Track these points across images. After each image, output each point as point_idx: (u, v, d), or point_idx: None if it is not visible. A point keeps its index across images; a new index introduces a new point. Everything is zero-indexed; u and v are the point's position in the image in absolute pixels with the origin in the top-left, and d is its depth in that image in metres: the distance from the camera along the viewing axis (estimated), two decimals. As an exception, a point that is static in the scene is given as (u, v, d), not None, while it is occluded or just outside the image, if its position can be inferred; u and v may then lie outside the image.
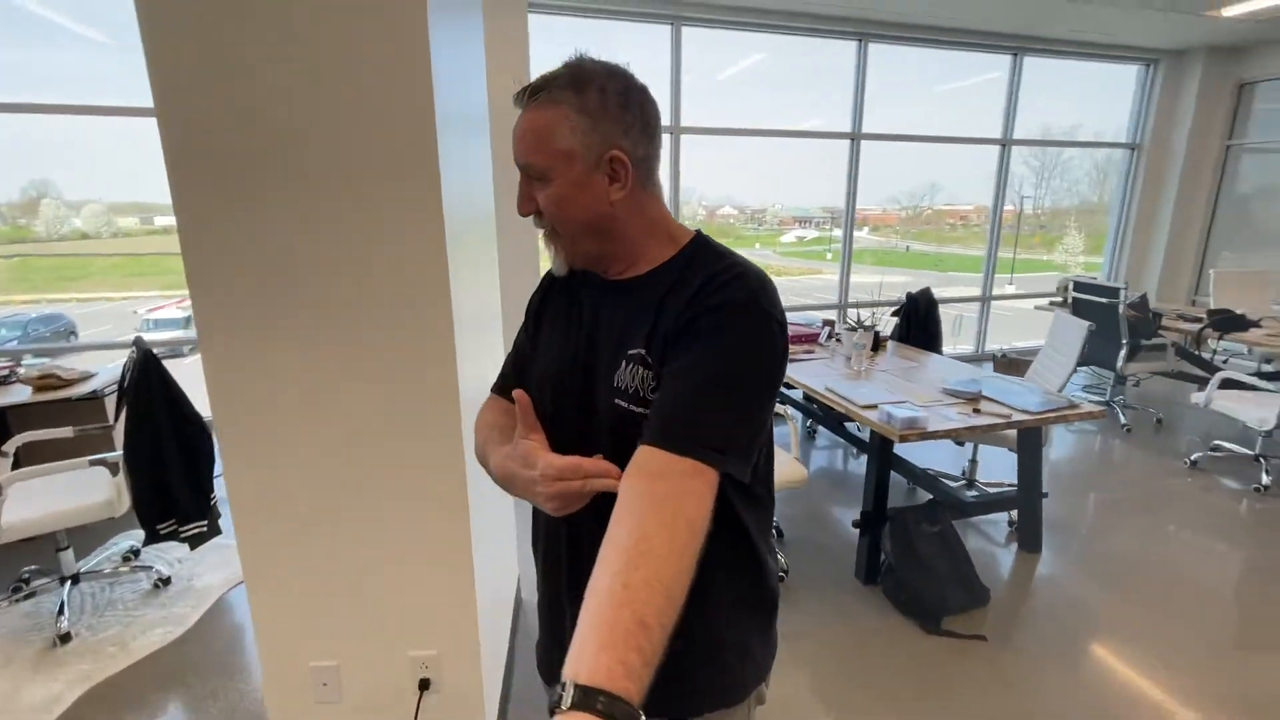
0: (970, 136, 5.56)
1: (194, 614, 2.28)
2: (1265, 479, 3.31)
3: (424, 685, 1.44)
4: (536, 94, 0.70)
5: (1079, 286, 4.36)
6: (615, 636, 0.47)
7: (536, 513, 0.86)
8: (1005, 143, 5.52)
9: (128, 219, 10.80)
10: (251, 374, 1.23)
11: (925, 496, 2.97)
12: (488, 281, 1.98)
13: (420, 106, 1.16)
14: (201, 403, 1.47)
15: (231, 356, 1.21)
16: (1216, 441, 3.73)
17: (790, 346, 3.59)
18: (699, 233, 0.80)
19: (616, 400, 0.73)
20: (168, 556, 2.59)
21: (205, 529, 2.33)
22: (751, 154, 4.80)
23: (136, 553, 2.65)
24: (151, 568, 2.50)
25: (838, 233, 5.38)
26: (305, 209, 1.17)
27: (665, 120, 4.67)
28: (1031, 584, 2.50)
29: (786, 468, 2.40)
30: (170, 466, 2.23)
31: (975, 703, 1.88)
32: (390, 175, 1.18)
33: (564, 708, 0.43)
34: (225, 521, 2.44)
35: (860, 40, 4.89)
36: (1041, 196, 7.20)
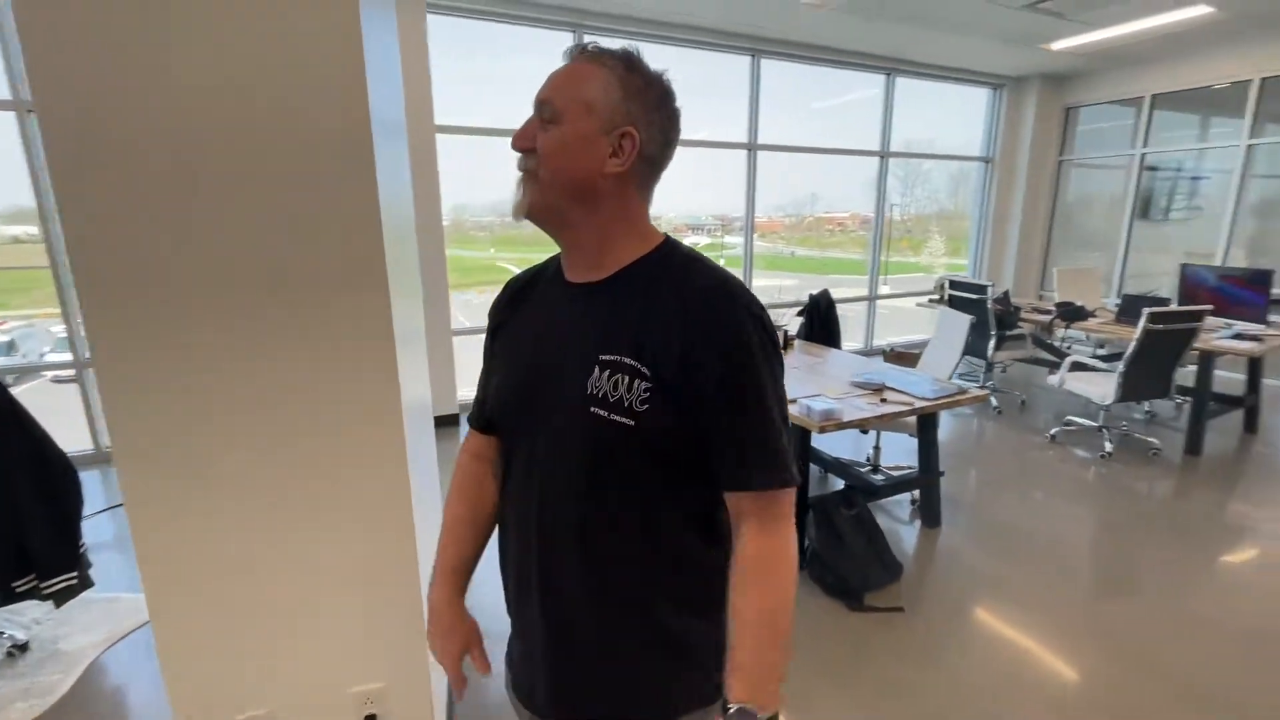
0: (853, 149, 6.02)
1: (64, 681, 1.97)
2: (1108, 447, 3.84)
3: (369, 722, 1.34)
4: (593, 50, 0.73)
5: (954, 285, 4.84)
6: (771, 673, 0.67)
7: (504, 539, 0.85)
8: (884, 154, 6.03)
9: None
10: (157, 397, 1.09)
11: (837, 484, 3.17)
12: (414, 291, 1.89)
13: (353, 98, 1.09)
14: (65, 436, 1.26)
15: (133, 379, 1.07)
16: (1069, 417, 4.27)
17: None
18: (668, 236, 0.79)
19: (594, 409, 0.70)
20: (21, 619, 2.22)
21: (75, 582, 2.03)
22: None
23: (-23, 619, 2.25)
24: (1, 634, 2.13)
25: (730, 239, 5.61)
26: (221, 214, 1.06)
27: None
28: (935, 556, 2.73)
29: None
30: (26, 514, 1.92)
31: (897, 668, 2.03)
32: (323, 174, 1.10)
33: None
34: (99, 571, 2.14)
35: (754, 56, 5.15)
36: (908, 204, 7.93)
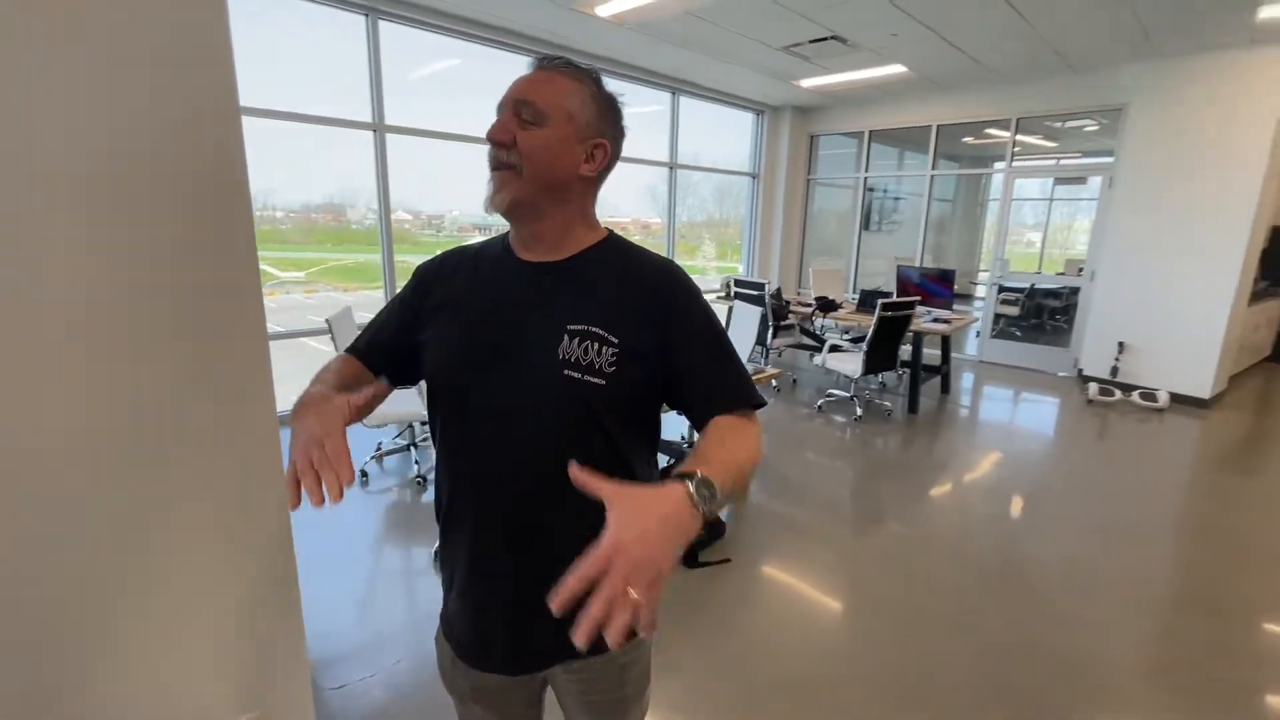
0: (645, 159, 6.53)
1: None
2: (859, 412, 4.79)
3: (247, 760, 1.23)
4: (568, 65, 0.81)
5: (738, 283, 5.58)
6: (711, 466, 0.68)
7: (455, 499, 0.87)
8: (672, 165, 6.65)
9: None
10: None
11: (662, 460, 3.51)
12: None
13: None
14: None
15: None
16: (829, 390, 5.22)
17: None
18: (609, 228, 0.91)
19: (566, 372, 0.79)
20: None
21: None
22: (428, 158, 4.77)
23: None
24: None
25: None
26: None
27: (369, 117, 4.38)
28: (744, 512, 3.20)
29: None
30: None
31: (728, 611, 2.38)
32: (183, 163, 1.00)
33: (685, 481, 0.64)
34: None
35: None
36: (680, 212, 8.82)
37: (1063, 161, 7.48)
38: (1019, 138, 6.26)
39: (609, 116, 0.84)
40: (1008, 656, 2.13)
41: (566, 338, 0.80)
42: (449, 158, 5.20)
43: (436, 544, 0.98)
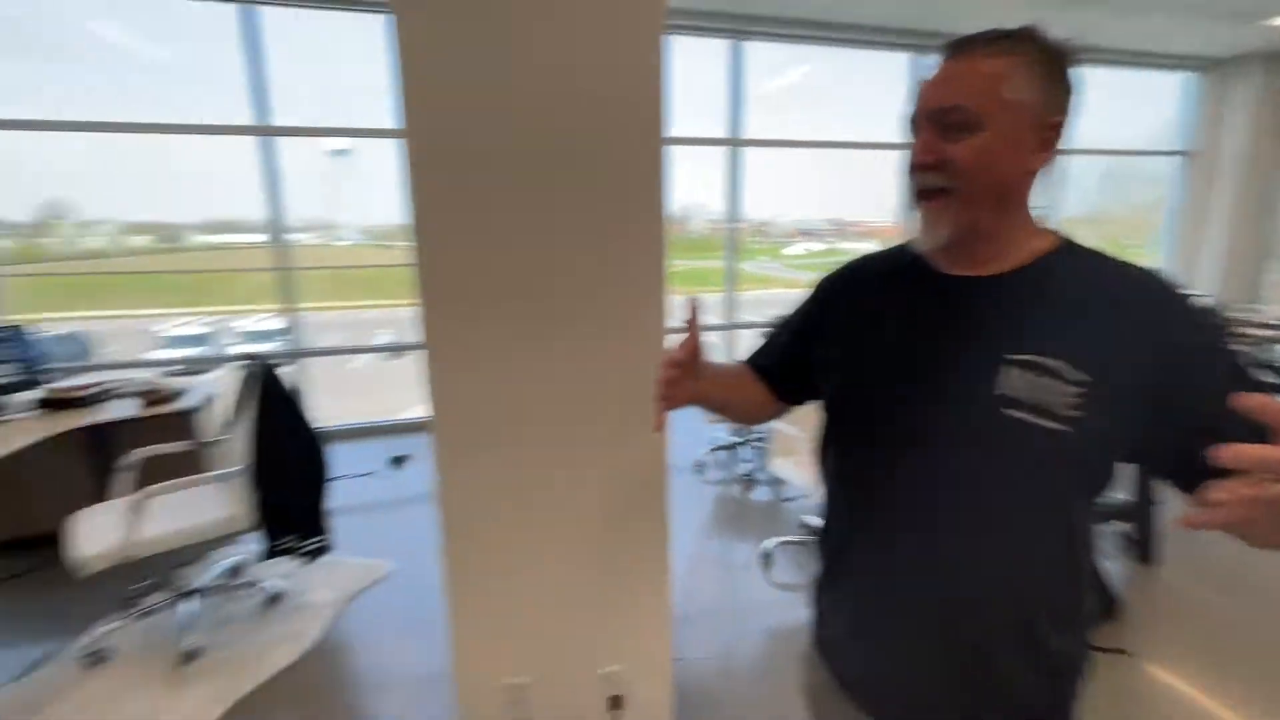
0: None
1: (313, 630, 2.25)
2: None
3: (615, 703, 1.41)
4: (994, 38, 0.66)
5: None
6: None
7: (864, 530, 0.79)
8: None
9: (140, 238, 10.87)
10: (473, 381, 1.21)
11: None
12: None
13: (648, 119, 1.16)
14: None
15: (455, 363, 1.20)
16: None
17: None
18: (1058, 230, 0.73)
19: (1006, 410, 0.65)
20: (271, 574, 2.56)
21: (324, 543, 2.31)
22: (756, 165, 4.76)
23: (237, 569, 2.63)
24: (257, 583, 2.48)
25: (844, 245, 5.32)
26: (533, 222, 1.16)
27: (722, 132, 4.68)
28: (1147, 586, 2.44)
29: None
30: (293, 482, 2.21)
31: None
32: (617, 185, 1.17)
33: None
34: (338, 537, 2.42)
35: (914, 50, 4.92)
36: (1045, 206, 7.24)
37: None
38: None
39: (1059, 80, 0.66)
40: None
41: (1005, 369, 0.66)
42: (772, 164, 5.20)
43: (812, 566, 0.91)
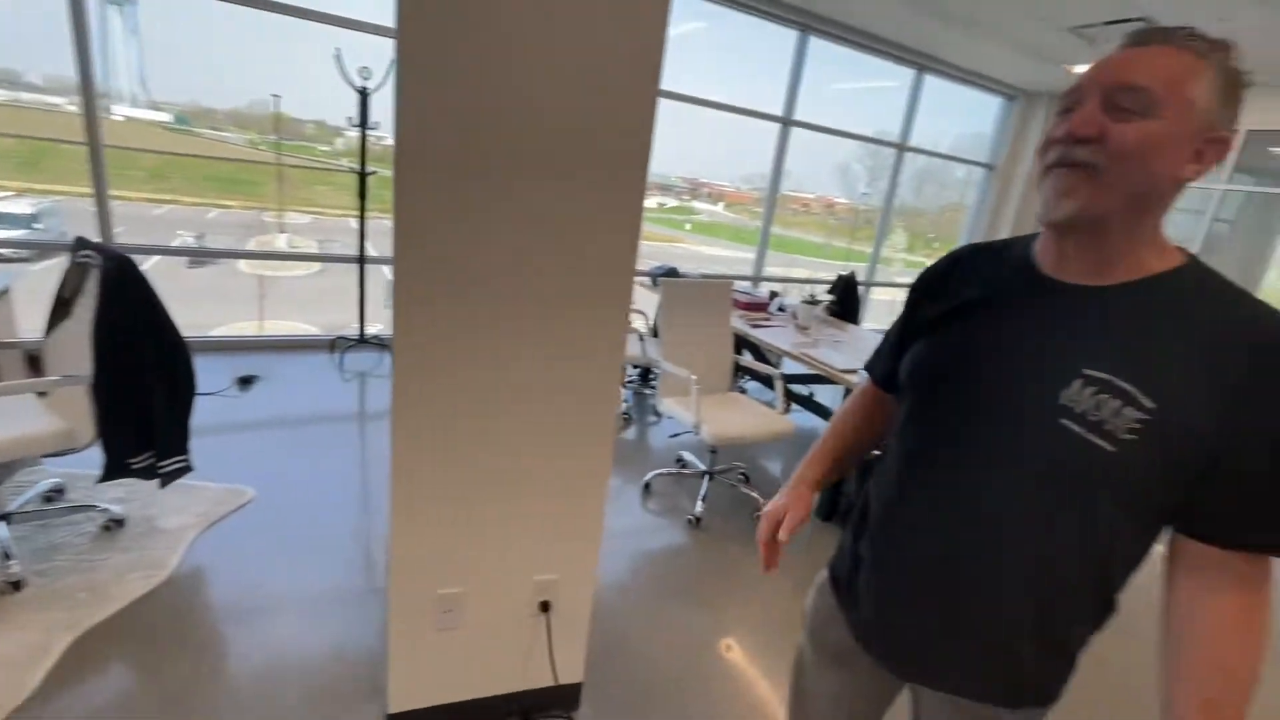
0: (872, 137, 6.23)
1: (171, 557, 2.06)
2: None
3: (544, 607, 1.53)
4: (1194, 36, 0.63)
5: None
6: None
7: (901, 514, 0.82)
8: (902, 148, 6.28)
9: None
10: (437, 303, 1.21)
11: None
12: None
13: (643, 116, 1.21)
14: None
15: (419, 280, 1.18)
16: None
17: (748, 313, 3.77)
18: (1188, 251, 0.69)
19: (1063, 420, 0.64)
20: (105, 497, 2.26)
21: (185, 464, 2.10)
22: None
23: (60, 491, 2.27)
24: (94, 507, 2.18)
25: (697, 204, 5.63)
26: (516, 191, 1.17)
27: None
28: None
29: (775, 421, 2.73)
30: (154, 394, 1.97)
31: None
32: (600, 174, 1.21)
33: None
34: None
35: (802, 30, 5.23)
36: (868, 196, 8.22)
37: None
38: (1365, 156, 5.02)
39: (1234, 100, 0.63)
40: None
41: (1079, 383, 0.65)
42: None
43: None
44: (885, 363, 0.94)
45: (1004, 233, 7.18)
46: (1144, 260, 0.67)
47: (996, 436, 0.70)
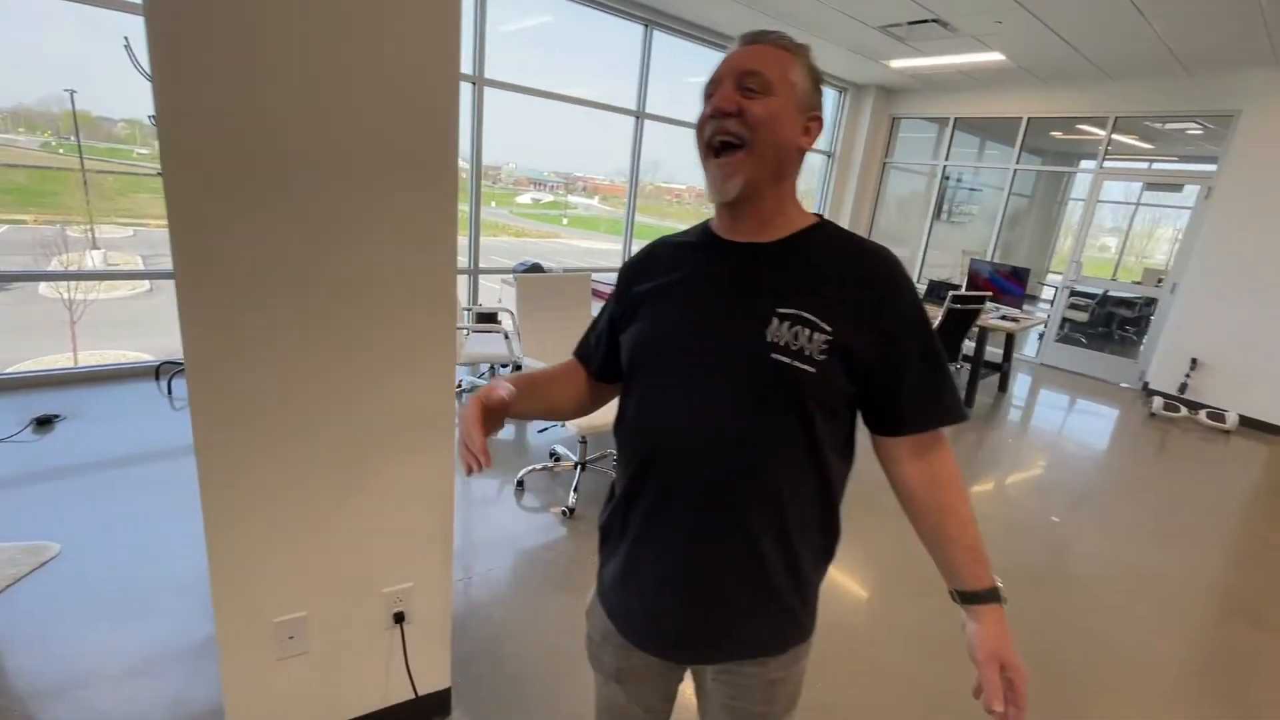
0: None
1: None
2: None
3: (399, 618, 1.49)
4: (786, 38, 0.81)
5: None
6: (980, 558, 0.82)
7: (634, 484, 0.86)
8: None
9: None
10: (233, 316, 1.13)
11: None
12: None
13: (445, 105, 1.20)
14: None
15: (209, 285, 1.09)
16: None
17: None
18: (821, 214, 0.87)
19: (774, 355, 0.76)
20: None
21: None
22: (492, 108, 4.70)
23: None
24: None
25: (573, 199, 5.74)
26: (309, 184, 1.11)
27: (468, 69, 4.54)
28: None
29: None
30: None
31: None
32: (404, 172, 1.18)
33: (995, 602, 0.81)
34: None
35: (646, 26, 5.37)
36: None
37: (1156, 165, 7.16)
38: (1114, 137, 6.02)
39: (819, 90, 0.84)
40: (1045, 633, 2.26)
41: (776, 320, 0.77)
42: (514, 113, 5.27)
43: (599, 512, 0.97)
44: (597, 352, 0.99)
45: (846, 219, 7.83)
46: (792, 219, 0.84)
47: (721, 380, 0.80)
